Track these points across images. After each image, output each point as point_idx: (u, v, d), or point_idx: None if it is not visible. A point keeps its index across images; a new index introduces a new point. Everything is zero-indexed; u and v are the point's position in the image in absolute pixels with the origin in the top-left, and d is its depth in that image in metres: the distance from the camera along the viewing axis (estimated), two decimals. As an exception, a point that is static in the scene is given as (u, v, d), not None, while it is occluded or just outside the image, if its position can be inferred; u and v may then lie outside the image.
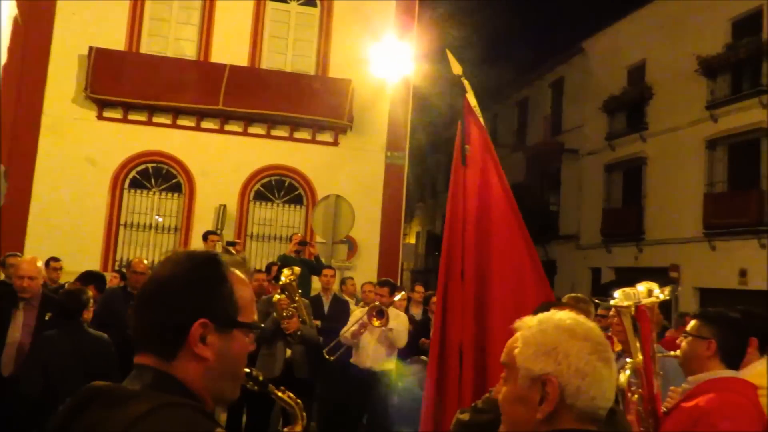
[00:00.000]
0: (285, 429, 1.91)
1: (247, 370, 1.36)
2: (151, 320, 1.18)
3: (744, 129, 15.98)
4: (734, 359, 2.48)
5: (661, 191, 18.57)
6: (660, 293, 2.66)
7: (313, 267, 8.14)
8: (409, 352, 6.57)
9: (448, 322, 3.64)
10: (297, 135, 13.44)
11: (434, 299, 8.02)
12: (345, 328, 6.11)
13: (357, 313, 6.26)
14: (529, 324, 1.39)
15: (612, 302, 2.73)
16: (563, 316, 1.35)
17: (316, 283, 8.31)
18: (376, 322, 5.80)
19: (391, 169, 13.65)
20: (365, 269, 12.25)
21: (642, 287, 2.68)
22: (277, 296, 5.91)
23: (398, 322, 5.99)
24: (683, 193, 17.50)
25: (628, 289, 2.69)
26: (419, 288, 8.58)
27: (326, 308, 7.18)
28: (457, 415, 2.28)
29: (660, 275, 16.54)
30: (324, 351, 6.25)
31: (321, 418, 7.55)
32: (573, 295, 4.92)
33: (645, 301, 2.65)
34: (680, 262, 17.20)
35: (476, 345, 3.60)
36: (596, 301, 2.90)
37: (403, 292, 7.01)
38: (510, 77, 25.52)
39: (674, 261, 17.41)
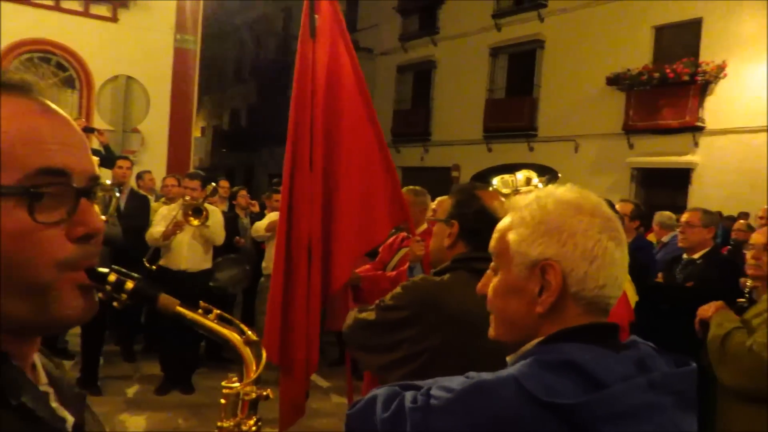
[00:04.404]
0: None
1: None
2: None
3: (523, 40, 17.23)
4: None
5: (448, 95, 19.55)
6: (539, 182, 2.60)
7: (103, 158, 7.07)
8: (221, 251, 6.11)
9: (294, 215, 3.31)
10: (65, 5, 11.37)
11: (242, 192, 7.58)
12: (153, 229, 5.39)
13: (164, 210, 5.54)
14: (523, 202, 1.14)
15: (490, 190, 2.61)
16: (564, 189, 1.12)
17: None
18: (195, 221, 5.16)
19: (181, 54, 12.30)
20: (152, 163, 11.06)
21: (521, 175, 2.59)
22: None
23: (214, 219, 5.44)
24: (467, 98, 18.61)
25: (506, 177, 2.58)
26: (224, 183, 7.97)
27: (122, 204, 6.32)
28: (354, 314, 2.00)
29: (443, 174, 17.74)
30: (144, 260, 5.51)
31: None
32: (410, 187, 4.85)
33: (523, 189, 2.58)
34: (461, 162, 18.52)
35: (324, 240, 3.34)
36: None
37: (213, 184, 6.37)
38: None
39: (456, 161, 18.70)
